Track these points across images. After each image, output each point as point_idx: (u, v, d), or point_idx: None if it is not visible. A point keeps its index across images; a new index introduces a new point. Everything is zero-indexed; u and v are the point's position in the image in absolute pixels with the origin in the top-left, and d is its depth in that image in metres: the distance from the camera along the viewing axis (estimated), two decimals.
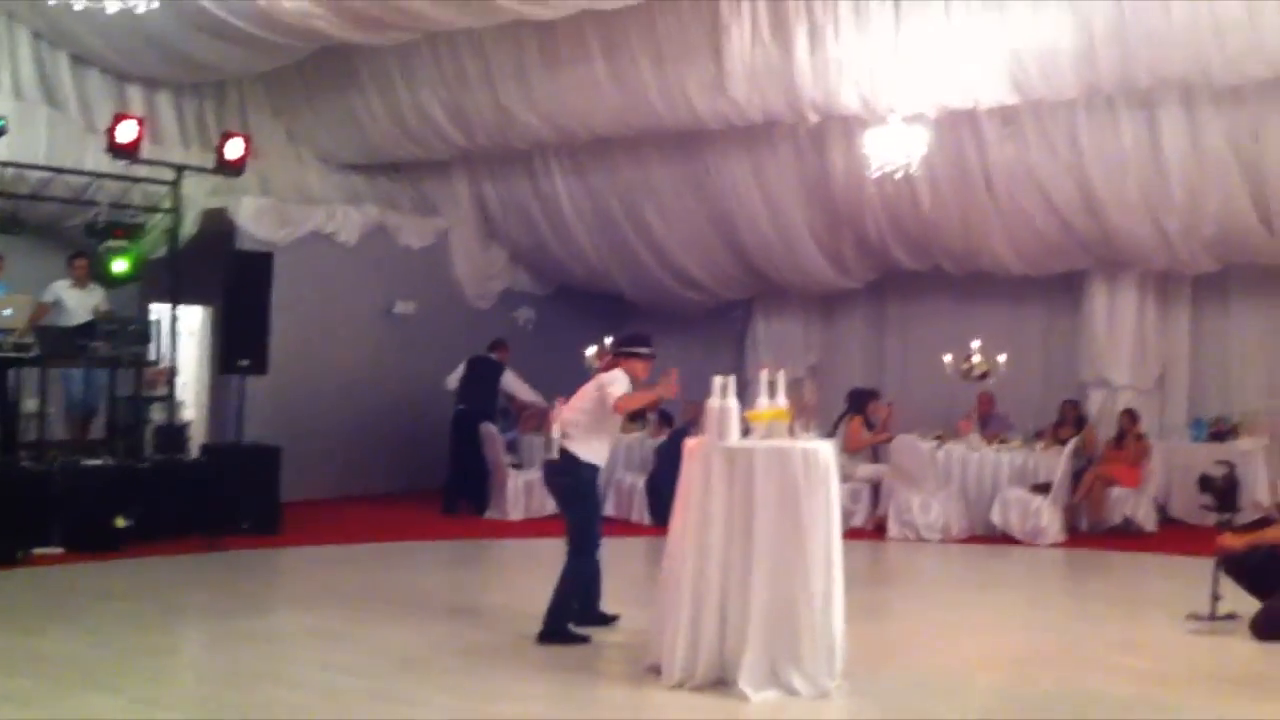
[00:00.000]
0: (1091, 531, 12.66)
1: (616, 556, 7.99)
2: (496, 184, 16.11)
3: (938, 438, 13.30)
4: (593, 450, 7.73)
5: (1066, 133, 12.76)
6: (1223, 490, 8.88)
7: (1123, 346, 14.30)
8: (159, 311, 12.79)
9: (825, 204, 14.55)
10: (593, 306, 17.31)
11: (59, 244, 13.15)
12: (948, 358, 13.62)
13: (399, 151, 15.26)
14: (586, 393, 7.76)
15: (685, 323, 16.70)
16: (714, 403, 6.73)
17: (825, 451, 6.69)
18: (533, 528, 12.73)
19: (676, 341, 15.78)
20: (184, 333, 13.36)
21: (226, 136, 12.63)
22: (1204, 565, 8.28)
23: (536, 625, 7.64)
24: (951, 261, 14.87)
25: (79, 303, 12.30)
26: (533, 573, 7.59)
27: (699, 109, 12.93)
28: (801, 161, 14.21)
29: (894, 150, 12.09)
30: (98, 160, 12.39)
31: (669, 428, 13.55)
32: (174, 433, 12.37)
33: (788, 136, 13.92)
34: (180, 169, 12.52)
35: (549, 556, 7.95)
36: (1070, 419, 13.42)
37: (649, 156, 14.91)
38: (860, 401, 13.56)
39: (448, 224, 16.40)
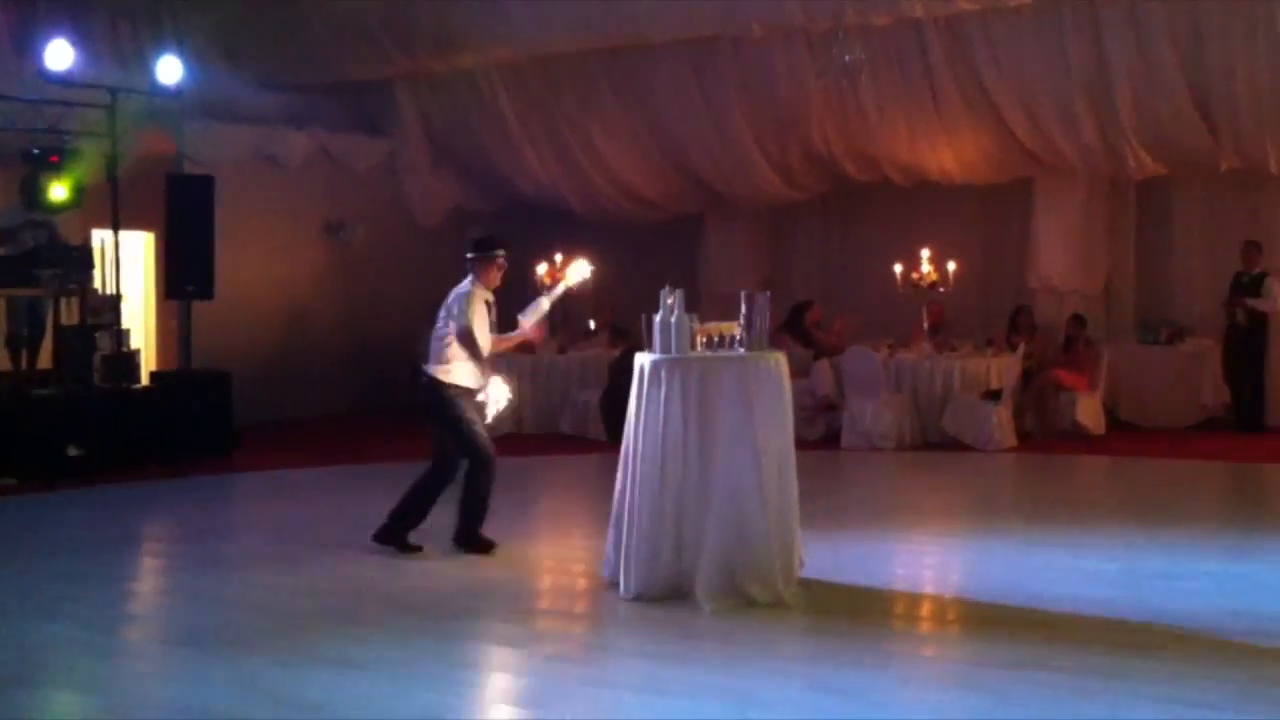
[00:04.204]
0: (1041, 436, 12.81)
1: (575, 474, 8.01)
2: (441, 103, 15.85)
3: (889, 347, 13.38)
4: (460, 374, 7.55)
5: (1011, 41, 12.70)
6: None
7: (1069, 252, 14.37)
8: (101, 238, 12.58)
9: (771, 116, 14.46)
10: (543, 223, 17.17)
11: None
12: (898, 267, 13.66)
13: (340, 70, 14.95)
14: (449, 316, 7.53)
15: (636, 238, 16.62)
16: (663, 316, 6.73)
17: (777, 360, 6.71)
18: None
19: (629, 257, 15.74)
20: (127, 259, 13.12)
21: (162, 58, 12.34)
22: (1152, 465, 8.40)
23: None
24: (899, 172, 14.85)
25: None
26: None
27: (641, 21, 12.75)
28: (745, 73, 14.08)
29: None
30: (30, 85, 12.06)
31: (622, 344, 13.50)
32: (122, 361, 12.22)
33: (730, 48, 13.77)
34: (115, 92, 12.23)
35: (502, 475, 7.94)
36: (1022, 326, 13.52)
37: (593, 73, 14.72)
38: (792, 317, 13.63)
39: (393, 144, 16.17)
